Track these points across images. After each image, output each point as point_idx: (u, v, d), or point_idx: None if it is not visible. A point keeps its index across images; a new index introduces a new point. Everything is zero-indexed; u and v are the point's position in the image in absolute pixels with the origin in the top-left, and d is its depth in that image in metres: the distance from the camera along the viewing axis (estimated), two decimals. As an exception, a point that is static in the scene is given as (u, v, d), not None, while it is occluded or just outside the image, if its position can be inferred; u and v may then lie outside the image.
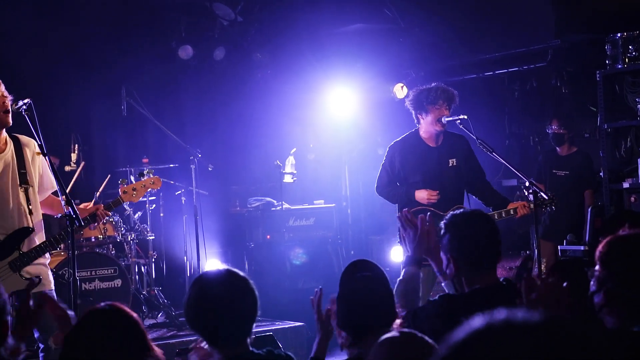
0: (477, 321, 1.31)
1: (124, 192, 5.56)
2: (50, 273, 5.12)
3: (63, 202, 4.59)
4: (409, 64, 9.65)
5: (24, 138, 5.12)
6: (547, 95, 9.52)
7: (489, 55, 9.16)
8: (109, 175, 8.12)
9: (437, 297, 3.47)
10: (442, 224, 3.51)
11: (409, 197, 6.15)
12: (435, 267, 3.73)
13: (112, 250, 7.86)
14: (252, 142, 9.95)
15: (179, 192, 8.57)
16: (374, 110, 9.91)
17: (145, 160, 8.36)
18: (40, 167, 5.18)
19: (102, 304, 2.77)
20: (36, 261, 4.96)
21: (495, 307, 3.27)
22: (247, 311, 2.94)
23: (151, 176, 5.80)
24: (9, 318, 2.52)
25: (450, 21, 9.06)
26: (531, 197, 5.83)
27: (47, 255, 5.12)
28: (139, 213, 8.38)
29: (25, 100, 4.86)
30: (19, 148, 5.06)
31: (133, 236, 8.05)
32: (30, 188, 5.03)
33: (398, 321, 3.31)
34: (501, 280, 3.48)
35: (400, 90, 9.42)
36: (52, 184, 5.24)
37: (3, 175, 4.98)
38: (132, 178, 6.01)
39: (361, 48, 9.47)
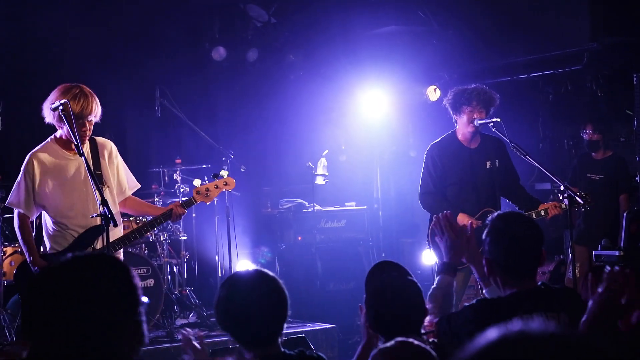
0: (492, 332, 1.31)
1: (197, 193, 5.58)
2: None
3: (98, 202, 4.63)
4: (443, 66, 9.60)
5: (100, 139, 5.29)
6: (582, 98, 9.42)
7: (523, 57, 9.09)
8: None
9: (474, 301, 3.44)
10: (486, 226, 3.48)
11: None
12: (477, 275, 3.69)
13: (145, 250, 7.90)
14: (284, 143, 9.97)
15: (211, 192, 8.58)
16: (406, 113, 9.88)
17: (178, 161, 8.40)
18: (118, 167, 5.32)
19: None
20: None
21: (531, 311, 3.26)
22: (277, 311, 2.94)
23: (224, 177, 5.72)
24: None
25: (485, 23, 9.00)
26: (566, 201, 5.78)
27: (121, 251, 5.32)
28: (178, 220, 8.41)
29: (62, 101, 4.93)
30: (95, 149, 5.18)
31: (165, 236, 8.10)
32: (107, 188, 5.16)
33: (428, 318, 3.29)
34: (539, 284, 3.44)
35: (433, 93, 9.38)
36: (132, 183, 5.44)
37: (77, 175, 5.12)
38: (206, 179, 5.96)
39: (394, 50, 9.44)
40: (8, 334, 6.56)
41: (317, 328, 7.55)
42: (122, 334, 2.03)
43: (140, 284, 2.11)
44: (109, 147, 5.33)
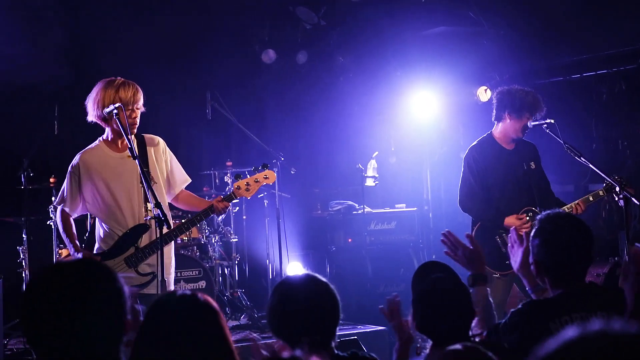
0: (570, 331, 1.28)
1: (237, 188, 5.44)
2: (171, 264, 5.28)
3: (152, 205, 4.67)
4: (493, 66, 9.51)
5: (148, 136, 5.30)
6: (636, 98, 9.25)
7: (576, 57, 8.97)
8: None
9: (520, 305, 3.40)
10: (534, 228, 3.44)
11: (496, 222, 6.04)
12: (528, 284, 3.63)
13: (197, 252, 7.97)
14: (334, 145, 9.98)
15: (262, 195, 8.64)
16: (456, 114, 9.81)
17: (229, 163, 8.46)
18: (168, 163, 5.34)
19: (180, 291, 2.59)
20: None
21: (580, 310, 3.22)
22: (329, 315, 2.96)
23: (264, 170, 5.56)
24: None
25: (536, 22, 8.90)
26: (622, 202, 5.69)
27: (172, 247, 5.32)
28: (223, 215, 8.48)
29: (116, 104, 4.97)
30: (142, 146, 5.22)
31: (217, 238, 8.16)
32: (155, 185, 5.15)
33: (476, 319, 3.26)
34: (587, 283, 3.40)
35: (484, 93, 9.30)
36: (183, 178, 5.43)
37: (128, 175, 5.15)
38: (247, 173, 5.77)
39: (444, 51, 9.38)
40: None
41: (368, 330, 7.54)
42: (110, 331, 2.23)
43: (124, 285, 2.30)
44: (157, 142, 5.32)
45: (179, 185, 5.40)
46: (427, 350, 3.19)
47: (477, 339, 3.27)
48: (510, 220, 5.95)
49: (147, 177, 4.92)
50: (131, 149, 4.85)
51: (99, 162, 5.15)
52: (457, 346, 2.50)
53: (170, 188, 5.37)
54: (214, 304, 2.51)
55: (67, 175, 5.21)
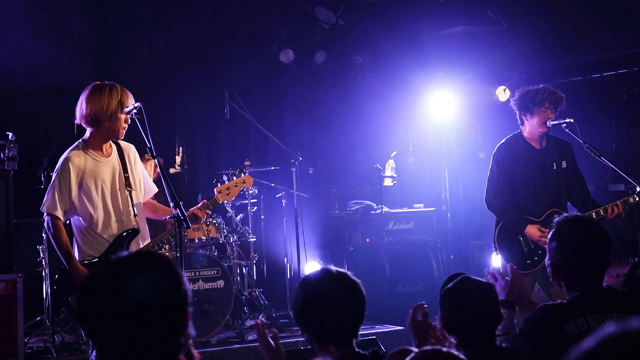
0: (609, 328, 1.27)
1: (219, 192, 5.67)
2: None
3: (172, 204, 4.68)
4: (512, 66, 9.47)
5: (123, 143, 5.26)
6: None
7: (596, 57, 8.91)
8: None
9: (534, 312, 3.41)
10: (551, 231, 3.44)
11: (519, 226, 6.01)
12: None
13: (215, 252, 8.00)
14: (352, 145, 9.97)
15: (280, 194, 8.66)
16: (475, 113, 9.78)
17: (247, 163, 8.48)
18: (141, 171, 5.34)
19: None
20: None
21: (596, 312, 3.21)
22: (356, 313, 3.00)
23: (242, 175, 5.91)
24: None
25: (555, 22, 8.85)
26: (642, 202, 5.65)
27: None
28: (241, 215, 8.51)
29: (136, 104, 4.97)
30: (120, 152, 5.22)
31: (235, 238, 8.17)
32: (134, 191, 5.18)
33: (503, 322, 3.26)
34: (604, 286, 3.39)
35: (503, 93, 9.26)
36: (152, 187, 5.43)
37: (111, 179, 5.13)
38: (225, 178, 6.18)
39: (463, 50, 9.36)
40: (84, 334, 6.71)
41: (386, 330, 7.54)
42: (173, 330, 2.10)
43: (187, 282, 2.15)
44: (133, 151, 5.30)
45: (149, 193, 5.41)
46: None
47: (500, 341, 3.26)
48: (531, 231, 5.92)
49: (166, 177, 4.93)
50: (151, 149, 4.86)
51: (86, 166, 5.07)
52: (425, 348, 2.47)
53: (142, 196, 5.37)
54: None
55: (55, 180, 5.06)
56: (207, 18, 8.92)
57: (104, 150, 5.15)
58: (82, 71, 8.03)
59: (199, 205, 5.43)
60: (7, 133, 6.42)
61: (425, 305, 3.60)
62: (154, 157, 4.88)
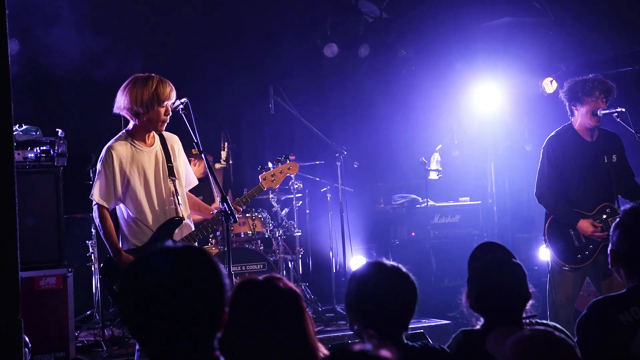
0: None
1: (264, 179, 5.70)
2: None
3: (218, 199, 4.71)
4: (559, 57, 9.34)
5: (167, 133, 5.30)
6: None
7: (644, 46, 8.76)
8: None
9: (585, 310, 3.40)
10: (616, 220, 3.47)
11: (571, 220, 5.93)
12: None
13: (261, 246, 8.03)
14: (397, 138, 9.94)
15: (325, 189, 8.66)
16: (521, 106, 9.67)
17: (292, 157, 8.48)
18: (184, 161, 5.38)
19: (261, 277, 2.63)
20: None
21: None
22: (408, 307, 3.07)
23: (288, 162, 5.92)
24: None
25: (603, 12, 8.71)
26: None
27: (196, 244, 5.27)
28: (286, 209, 8.53)
29: (183, 100, 5.01)
30: (163, 142, 5.26)
31: (280, 232, 8.20)
32: (177, 181, 5.21)
33: (530, 302, 3.23)
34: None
35: (550, 85, 9.14)
36: (193, 179, 5.46)
37: (154, 168, 5.18)
38: (271, 165, 6.15)
39: (508, 42, 9.25)
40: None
41: (433, 324, 7.51)
42: (208, 327, 2.13)
43: (225, 273, 2.19)
44: (177, 141, 5.34)
45: (189, 185, 5.44)
46: (478, 327, 3.18)
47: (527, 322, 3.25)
48: (584, 225, 5.83)
49: (212, 170, 4.95)
50: (198, 144, 4.90)
51: (130, 156, 5.12)
52: (528, 332, 2.46)
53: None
54: (296, 288, 2.55)
55: (101, 169, 5.11)
56: (252, 12, 8.95)
57: (147, 140, 5.19)
58: (132, 66, 8.09)
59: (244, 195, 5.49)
60: (57, 130, 6.50)
61: None
62: (200, 152, 4.91)
